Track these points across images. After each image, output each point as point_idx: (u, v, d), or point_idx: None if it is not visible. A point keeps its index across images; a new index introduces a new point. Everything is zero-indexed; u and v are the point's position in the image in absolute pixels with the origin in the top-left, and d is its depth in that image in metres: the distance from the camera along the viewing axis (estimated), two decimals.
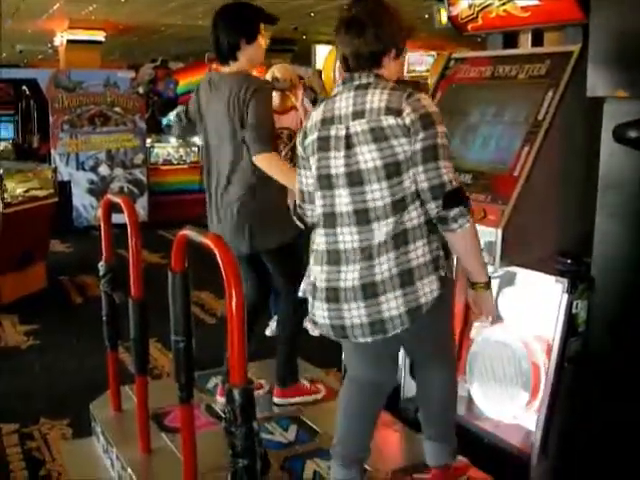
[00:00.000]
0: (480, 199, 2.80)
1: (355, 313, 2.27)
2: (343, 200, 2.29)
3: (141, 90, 10.00)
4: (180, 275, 2.40)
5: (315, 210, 2.44)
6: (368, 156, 2.23)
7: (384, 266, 2.22)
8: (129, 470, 2.89)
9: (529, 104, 2.91)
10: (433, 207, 2.22)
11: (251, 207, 3.19)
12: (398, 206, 2.22)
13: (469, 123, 3.13)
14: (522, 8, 3.07)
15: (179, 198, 9.65)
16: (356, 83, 2.31)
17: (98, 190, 9.44)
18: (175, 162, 10.51)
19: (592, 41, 2.64)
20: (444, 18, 3.51)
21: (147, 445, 3.00)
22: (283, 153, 4.43)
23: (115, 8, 12.05)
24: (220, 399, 3.36)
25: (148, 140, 10.30)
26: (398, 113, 2.19)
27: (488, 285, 2.42)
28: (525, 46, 3.26)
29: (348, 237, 2.29)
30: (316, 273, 2.37)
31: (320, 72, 8.98)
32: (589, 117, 2.73)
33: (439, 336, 2.51)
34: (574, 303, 2.72)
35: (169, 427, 3.16)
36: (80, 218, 9.58)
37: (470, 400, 3.03)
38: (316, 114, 2.39)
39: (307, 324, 5.18)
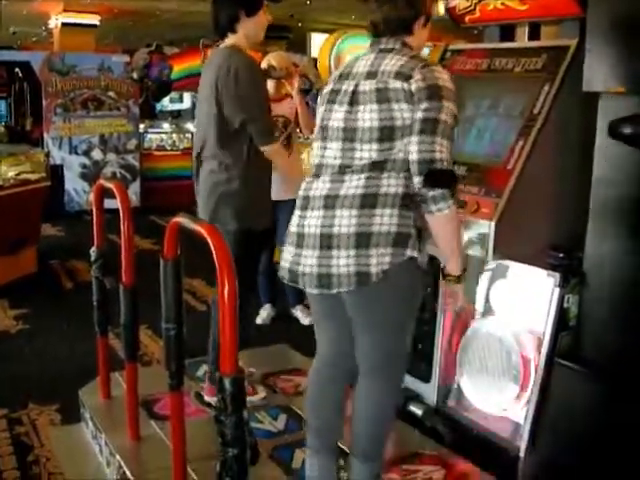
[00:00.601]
0: (474, 192, 2.80)
1: (309, 262, 2.24)
2: (330, 153, 2.30)
3: (135, 75, 9.94)
4: (172, 262, 2.40)
5: None
6: (367, 115, 2.22)
7: (344, 220, 2.19)
8: (117, 457, 2.89)
9: (525, 98, 2.91)
10: (417, 182, 2.16)
11: (220, 181, 3.14)
12: (375, 167, 2.20)
13: (464, 115, 3.11)
14: (520, 1, 3.06)
15: (172, 184, 9.62)
16: (381, 47, 2.32)
17: (90, 175, 9.41)
18: (168, 148, 10.47)
19: (589, 36, 2.63)
20: (441, 9, 3.50)
21: (136, 432, 3.00)
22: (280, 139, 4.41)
23: None
24: (208, 399, 3.25)
25: (141, 125, 10.27)
26: (407, 78, 2.18)
27: (459, 279, 2.35)
28: (522, 39, 3.25)
29: (320, 185, 2.29)
30: (293, 218, 2.38)
31: (315, 60, 8.94)
32: (584, 112, 2.72)
33: (385, 322, 2.32)
34: (565, 297, 2.73)
35: (158, 414, 3.16)
36: (72, 202, 9.54)
37: (460, 392, 3.04)
38: (340, 67, 2.44)
39: (297, 312, 5.20)
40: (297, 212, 2.36)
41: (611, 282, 2.68)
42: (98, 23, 14.25)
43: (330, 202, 2.23)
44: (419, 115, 2.15)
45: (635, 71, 2.49)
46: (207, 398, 3.26)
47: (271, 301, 5.13)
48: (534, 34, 3.23)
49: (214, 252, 2.00)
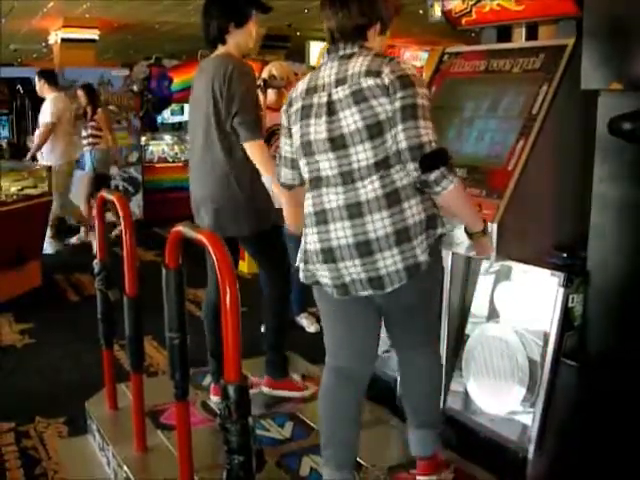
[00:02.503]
0: (475, 193, 2.80)
1: (352, 270, 2.29)
2: (326, 164, 2.32)
3: (135, 88, 9.97)
4: (174, 272, 2.40)
5: (288, 174, 2.50)
6: (350, 119, 2.25)
7: (377, 224, 2.24)
8: (125, 468, 2.88)
9: (523, 98, 2.91)
10: (412, 169, 2.22)
11: (225, 192, 3.18)
12: (381, 165, 2.24)
13: (463, 117, 3.12)
14: (516, 2, 3.06)
15: (174, 196, 9.58)
16: (340, 53, 2.35)
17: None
18: (170, 160, 10.48)
19: (586, 34, 2.63)
20: (437, 12, 3.50)
21: (143, 443, 3.00)
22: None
23: (109, 6, 12.01)
24: (214, 398, 3.35)
25: (143, 138, 10.28)
26: (377, 74, 2.23)
27: (484, 231, 2.49)
28: (519, 40, 3.26)
29: (333, 197, 2.30)
30: (307, 236, 2.39)
31: (314, 69, 8.98)
32: (584, 110, 2.72)
33: (430, 304, 2.54)
34: (570, 297, 2.72)
35: (165, 424, 3.16)
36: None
37: (466, 395, 3.03)
38: (302, 84, 2.44)
39: (302, 320, 5.19)
40: (313, 229, 2.36)
41: (615, 280, 2.67)
42: (97, 38, 14.30)
43: (355, 211, 2.26)
44: (397, 105, 2.21)
45: (633, 67, 2.49)
46: (213, 397, 3.35)
47: None
48: (531, 34, 3.23)
49: (215, 260, 2.00)
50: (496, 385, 2.89)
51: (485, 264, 3.04)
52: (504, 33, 3.32)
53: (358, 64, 2.28)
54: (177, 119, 11.91)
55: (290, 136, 2.46)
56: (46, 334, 5.27)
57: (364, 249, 2.25)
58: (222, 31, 3.17)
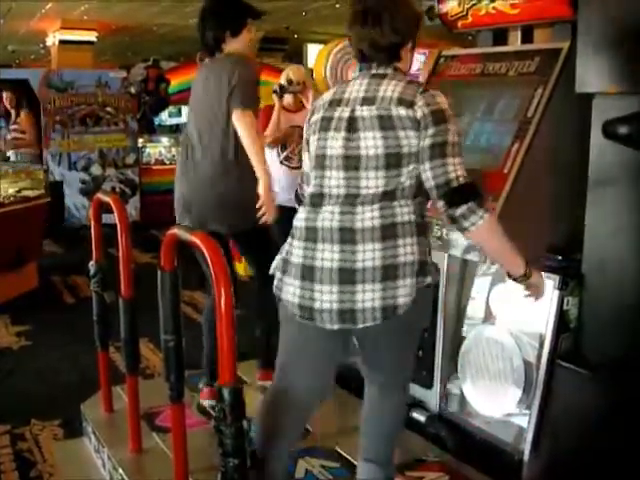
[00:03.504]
0: None
1: (326, 297, 2.15)
2: (333, 182, 2.22)
3: (133, 90, 9.98)
4: (170, 274, 2.39)
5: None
6: (371, 142, 2.15)
7: (368, 254, 2.13)
8: (120, 470, 2.88)
9: (519, 101, 2.92)
10: (441, 206, 2.15)
11: (226, 188, 3.21)
12: (387, 196, 2.16)
13: (460, 120, 3.11)
14: (511, 5, 3.07)
15: (171, 198, 9.58)
16: (373, 72, 2.25)
17: (90, 190, 9.42)
18: (167, 162, 10.46)
19: (580, 38, 2.64)
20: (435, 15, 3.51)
21: (138, 445, 2.99)
22: (297, 150, 4.60)
23: (107, 8, 12.01)
24: (204, 401, 3.34)
25: (140, 140, 10.28)
26: (410, 105, 2.12)
27: (527, 275, 2.28)
28: (515, 43, 3.26)
29: (328, 215, 2.20)
30: (292, 248, 2.28)
31: (311, 71, 8.97)
32: (579, 113, 2.73)
33: (404, 348, 2.39)
34: (565, 299, 2.73)
35: (160, 427, 3.15)
36: (72, 218, 9.55)
37: (462, 397, 3.03)
38: (327, 95, 2.35)
39: None
40: (300, 243, 2.25)
41: (610, 283, 2.67)
42: (95, 40, 14.31)
43: (347, 236, 2.16)
44: (427, 142, 2.12)
45: (628, 71, 2.50)
46: (202, 400, 3.35)
47: None
48: (527, 37, 3.24)
49: (209, 261, 2.00)
50: (492, 387, 2.90)
51: (481, 266, 3.04)
52: (500, 36, 3.33)
53: (390, 88, 2.17)
54: (174, 121, 11.90)
55: (308, 150, 2.36)
56: (42, 336, 5.27)
57: (346, 277, 2.13)
58: (218, 41, 3.23)
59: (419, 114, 2.12)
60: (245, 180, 3.22)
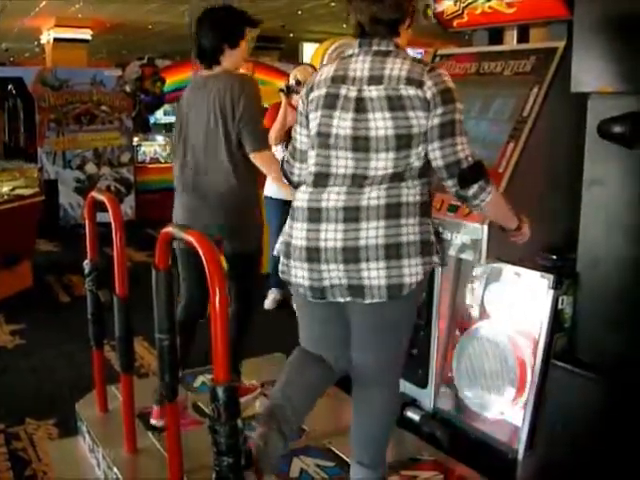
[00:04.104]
0: None
1: (334, 275, 2.19)
2: (341, 162, 2.21)
3: (128, 88, 9.95)
4: (164, 273, 2.39)
5: (303, 169, 2.39)
6: (381, 123, 2.15)
7: (371, 232, 2.15)
8: (115, 469, 2.87)
9: (514, 100, 2.92)
10: (450, 185, 2.19)
11: (229, 206, 3.16)
12: (395, 178, 2.17)
13: None
14: (507, 4, 3.08)
15: (166, 196, 9.55)
16: (375, 48, 2.24)
17: (85, 189, 9.40)
18: (162, 160, 10.45)
19: (576, 37, 2.64)
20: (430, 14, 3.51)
21: (133, 444, 2.98)
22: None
23: (102, 6, 12.00)
24: (154, 422, 3.15)
25: (135, 138, 10.26)
26: (420, 85, 2.13)
27: (519, 227, 2.48)
28: (510, 42, 3.27)
29: (334, 196, 2.21)
30: (294, 231, 2.28)
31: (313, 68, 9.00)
32: (574, 113, 2.73)
33: (404, 331, 2.40)
34: (560, 299, 2.73)
35: (155, 426, 3.14)
36: (67, 217, 9.52)
37: (457, 396, 3.03)
38: (327, 70, 2.31)
39: (270, 295, 5.21)
40: (303, 225, 2.25)
41: (605, 282, 2.68)
42: (90, 38, 14.31)
43: (352, 214, 2.17)
44: (436, 121, 2.14)
45: (623, 70, 2.50)
46: (153, 421, 3.15)
47: (279, 285, 5.15)
48: (523, 37, 3.24)
49: (205, 261, 2.00)
50: (486, 386, 2.90)
51: (476, 266, 3.04)
52: (496, 35, 3.34)
53: (397, 67, 2.17)
54: (170, 119, 11.89)
55: (307, 126, 2.33)
56: (37, 335, 5.26)
57: (351, 255, 2.16)
58: (216, 52, 3.16)
59: (429, 94, 2.13)
60: (248, 202, 3.22)
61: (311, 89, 2.33)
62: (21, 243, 6.19)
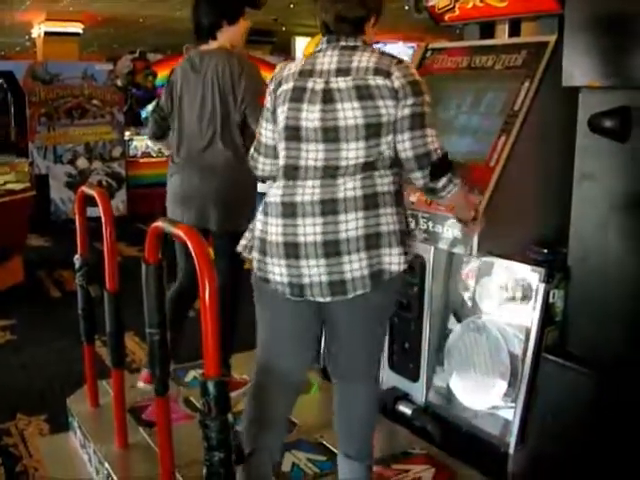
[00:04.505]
0: None
1: (314, 271, 2.16)
2: (311, 155, 2.20)
3: (119, 82, 9.92)
4: (154, 267, 2.38)
5: (267, 163, 2.38)
6: (350, 113, 2.15)
7: (351, 224, 2.14)
8: (106, 465, 2.87)
9: (505, 94, 2.91)
10: (419, 176, 2.20)
11: (224, 184, 3.17)
12: (368, 167, 2.17)
13: (446, 113, 3.12)
14: None
15: (158, 191, 9.50)
16: (342, 43, 2.24)
17: (76, 183, 9.36)
18: (154, 155, 10.42)
19: (567, 31, 2.64)
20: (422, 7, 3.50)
21: (124, 439, 2.98)
22: None
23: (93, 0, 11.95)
24: (141, 384, 3.30)
25: (127, 133, 10.24)
26: (387, 75, 2.14)
27: (475, 217, 2.52)
28: (502, 36, 3.26)
29: (308, 190, 2.19)
30: (269, 226, 2.24)
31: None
32: (565, 107, 2.73)
33: (383, 322, 2.42)
34: (551, 292, 2.73)
35: (146, 421, 3.14)
36: (58, 212, 9.51)
37: (448, 390, 3.03)
38: (294, 65, 2.31)
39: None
40: (278, 220, 2.21)
41: (596, 276, 2.68)
42: (81, 31, 14.23)
43: (330, 207, 2.16)
44: (406, 112, 2.14)
45: (614, 65, 2.50)
46: (140, 384, 3.29)
47: None
48: (515, 31, 3.24)
49: (194, 255, 1.99)
50: (478, 380, 2.90)
51: (467, 259, 3.05)
52: (487, 29, 3.33)
53: (365, 59, 2.18)
54: None
55: (274, 121, 2.31)
56: (28, 330, 5.25)
57: (332, 249, 2.14)
58: (214, 27, 3.14)
59: (397, 84, 2.14)
60: (244, 180, 3.18)
61: (279, 84, 2.32)
62: (12, 238, 6.17)
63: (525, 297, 2.78)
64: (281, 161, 2.29)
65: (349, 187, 2.16)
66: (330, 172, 2.18)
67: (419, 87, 2.17)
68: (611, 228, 2.63)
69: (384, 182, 2.20)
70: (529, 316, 2.76)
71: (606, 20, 2.52)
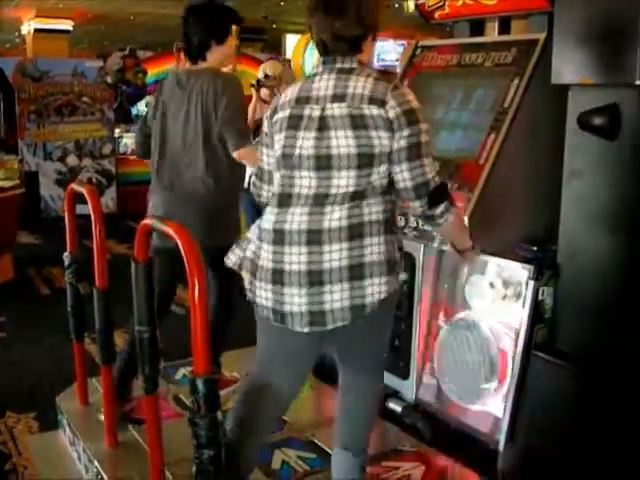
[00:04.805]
0: None
1: (296, 300, 2.15)
2: (305, 182, 2.18)
3: (109, 80, 9.90)
4: (143, 265, 2.38)
5: (271, 190, 2.34)
6: (343, 142, 2.12)
7: (334, 255, 2.12)
8: (95, 463, 2.86)
9: (495, 92, 2.92)
10: (417, 206, 2.19)
11: (208, 201, 3.13)
12: (356, 196, 2.14)
13: (436, 111, 3.13)
14: None
15: (148, 189, 9.53)
16: (338, 66, 2.21)
17: (66, 180, 9.32)
18: None
19: (557, 29, 2.64)
20: (411, 6, 3.50)
21: (114, 437, 2.98)
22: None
23: None
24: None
25: (116, 130, 10.22)
26: (382, 104, 2.10)
27: (472, 247, 2.53)
28: (492, 34, 3.27)
29: (297, 218, 2.17)
30: (262, 252, 2.24)
31: (289, 61, 8.98)
32: (555, 105, 2.74)
33: (376, 344, 2.42)
34: (540, 290, 2.73)
35: (136, 419, 3.13)
36: (48, 209, 9.48)
37: (438, 387, 3.04)
38: (291, 91, 2.28)
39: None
40: (269, 247, 2.21)
41: (585, 274, 2.69)
42: (71, 28, 14.19)
43: (314, 237, 2.14)
44: (402, 143, 2.12)
45: (603, 62, 2.51)
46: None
47: None
48: (505, 28, 3.24)
49: (183, 253, 1.99)
50: (468, 377, 2.91)
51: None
52: (477, 27, 3.33)
53: (360, 85, 2.14)
54: None
55: (272, 146, 2.30)
56: (17, 328, 5.23)
57: (315, 278, 2.12)
58: (203, 48, 3.14)
59: (391, 114, 2.10)
60: (227, 195, 3.19)
61: (275, 111, 2.30)
62: (1, 235, 6.15)
63: (515, 295, 2.79)
64: (276, 189, 2.27)
65: (335, 217, 2.14)
66: (320, 200, 2.16)
67: (415, 116, 2.13)
68: (600, 226, 2.63)
69: (372, 211, 2.17)
70: (519, 313, 2.76)
71: (595, 18, 2.53)
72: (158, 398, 2.54)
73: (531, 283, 2.72)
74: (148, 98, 11.15)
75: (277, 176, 2.27)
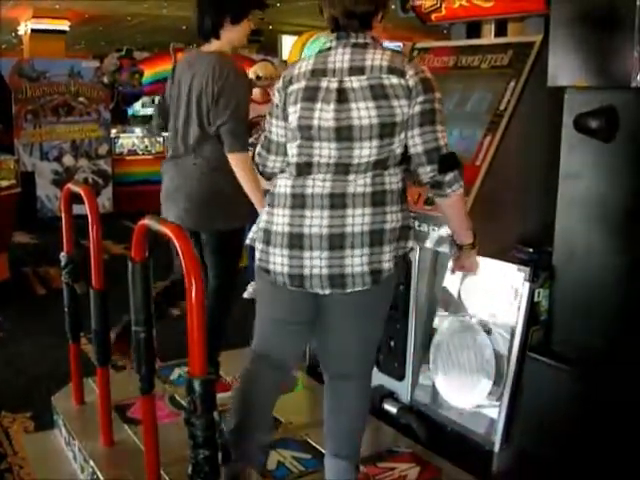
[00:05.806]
0: None
1: (316, 263, 2.19)
2: (324, 152, 2.21)
3: (106, 80, 9.89)
4: (140, 265, 2.37)
5: (278, 161, 2.37)
6: (364, 113, 2.16)
7: (357, 219, 2.17)
8: (91, 463, 2.86)
9: (491, 94, 2.93)
10: (428, 171, 2.21)
11: (206, 186, 3.16)
12: (379, 165, 2.19)
13: None
14: None
15: (144, 189, 9.51)
16: (353, 41, 2.24)
17: (62, 181, 9.32)
18: (140, 152, 10.39)
19: (553, 31, 2.65)
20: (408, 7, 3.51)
21: (109, 437, 2.97)
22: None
23: None
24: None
25: (113, 130, 10.20)
26: (402, 74, 2.15)
27: (474, 245, 2.52)
28: (488, 36, 3.28)
29: (319, 183, 2.21)
30: (275, 217, 2.27)
31: (286, 63, 8.99)
32: (551, 107, 2.74)
33: (380, 318, 2.42)
34: (536, 292, 2.74)
35: (132, 419, 3.14)
36: (44, 209, 9.47)
37: (434, 389, 3.04)
38: (306, 64, 2.30)
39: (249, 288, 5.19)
40: (285, 211, 2.24)
41: (581, 276, 2.69)
42: (68, 29, 14.18)
43: (338, 201, 2.19)
44: (417, 109, 2.16)
45: (599, 65, 2.52)
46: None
47: None
48: (501, 31, 3.26)
49: (180, 254, 1.99)
50: (463, 379, 2.91)
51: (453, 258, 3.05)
52: (473, 29, 3.35)
53: (378, 57, 2.19)
54: (148, 112, 11.82)
55: (284, 118, 2.31)
56: (13, 327, 5.22)
57: (336, 242, 2.17)
58: (217, 26, 3.10)
59: (411, 82, 2.16)
60: (227, 179, 3.17)
61: (290, 82, 2.31)
62: None
63: (510, 296, 2.80)
64: (293, 159, 2.29)
65: (360, 183, 2.19)
66: (342, 169, 2.21)
67: (430, 84, 2.19)
68: (596, 228, 2.64)
69: (392, 180, 2.23)
70: (514, 315, 2.77)
71: (591, 20, 2.54)
72: (154, 398, 2.54)
73: (527, 285, 2.73)
74: (144, 99, 11.18)
75: (293, 146, 2.29)
